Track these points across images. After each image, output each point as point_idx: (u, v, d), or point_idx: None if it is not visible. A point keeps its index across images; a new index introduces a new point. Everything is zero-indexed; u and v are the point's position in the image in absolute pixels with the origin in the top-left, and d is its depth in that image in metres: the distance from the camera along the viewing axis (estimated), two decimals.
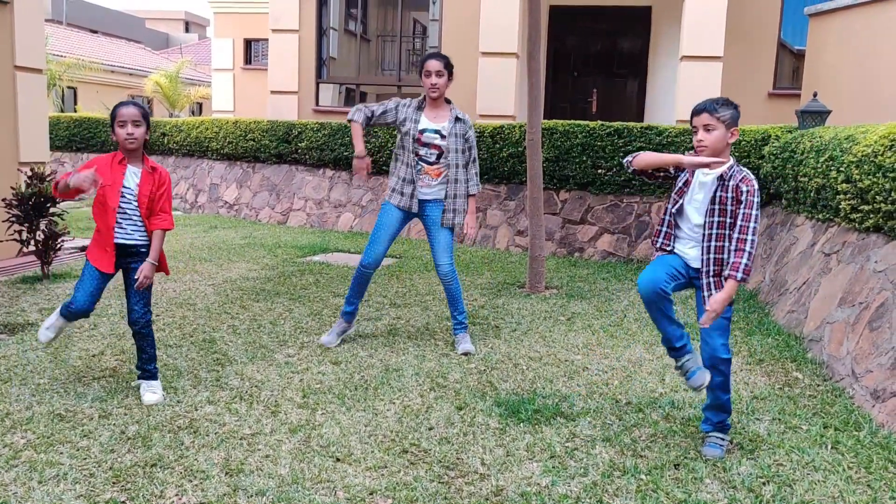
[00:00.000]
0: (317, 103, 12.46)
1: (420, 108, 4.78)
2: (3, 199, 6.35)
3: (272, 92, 12.49)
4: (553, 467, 3.10)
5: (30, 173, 6.42)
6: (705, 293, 3.18)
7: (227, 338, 4.88)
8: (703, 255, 3.20)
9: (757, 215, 3.10)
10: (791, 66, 11.39)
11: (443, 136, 4.72)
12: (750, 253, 3.08)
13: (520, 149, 8.85)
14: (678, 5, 10.70)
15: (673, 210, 3.29)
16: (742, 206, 3.10)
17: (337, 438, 3.33)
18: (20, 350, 4.45)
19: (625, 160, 3.33)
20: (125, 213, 3.69)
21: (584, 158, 8.54)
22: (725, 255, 3.16)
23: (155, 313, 5.42)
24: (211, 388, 3.91)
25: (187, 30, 47.07)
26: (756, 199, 3.10)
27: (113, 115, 3.70)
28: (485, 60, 10.76)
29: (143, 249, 3.75)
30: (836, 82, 8.26)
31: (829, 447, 3.31)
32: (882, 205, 4.34)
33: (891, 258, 4.20)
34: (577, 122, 8.74)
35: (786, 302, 5.50)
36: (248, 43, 19.27)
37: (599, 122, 8.60)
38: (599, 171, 8.55)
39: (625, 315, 5.75)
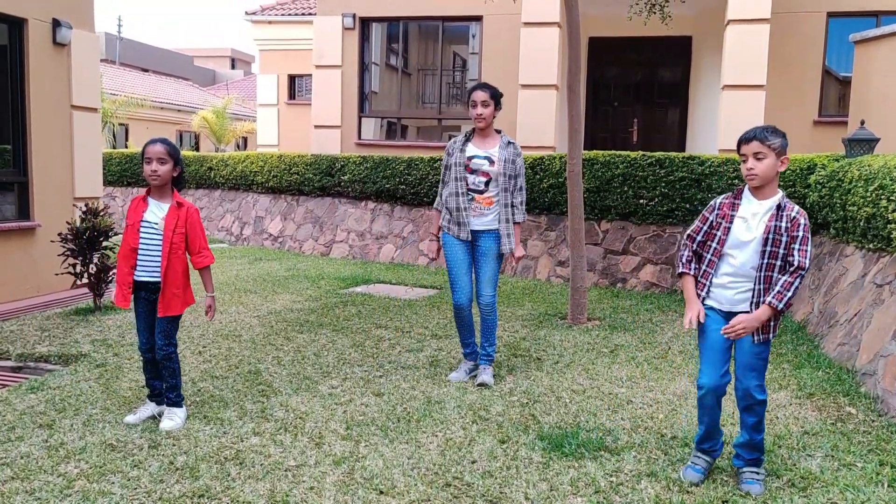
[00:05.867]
0: (359, 137, 12.68)
1: (468, 139, 4.83)
2: (60, 234, 6.58)
3: (316, 126, 12.76)
4: (598, 502, 3.06)
5: (84, 208, 6.65)
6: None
7: (272, 369, 4.95)
8: (754, 297, 3.16)
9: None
10: (837, 94, 11.21)
11: (492, 162, 4.73)
12: (798, 288, 3.08)
13: (560, 179, 8.86)
14: (719, 34, 10.67)
15: (715, 251, 3.25)
16: (797, 240, 3.10)
17: (380, 471, 3.35)
18: (73, 381, 4.57)
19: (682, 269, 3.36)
20: (146, 250, 3.80)
21: (626, 188, 8.51)
22: (767, 286, 3.16)
23: (202, 345, 5.53)
24: (256, 420, 3.97)
25: (233, 66, 48.51)
26: (809, 234, 3.13)
27: (141, 152, 3.87)
28: (524, 93, 10.84)
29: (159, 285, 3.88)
30: (883, 110, 8.11)
31: (886, 485, 3.20)
32: None
33: None
34: (618, 152, 8.73)
35: (836, 334, 5.37)
36: (292, 79, 19.73)
37: (641, 153, 8.58)
38: (641, 201, 8.50)
39: (669, 347, 5.66)
